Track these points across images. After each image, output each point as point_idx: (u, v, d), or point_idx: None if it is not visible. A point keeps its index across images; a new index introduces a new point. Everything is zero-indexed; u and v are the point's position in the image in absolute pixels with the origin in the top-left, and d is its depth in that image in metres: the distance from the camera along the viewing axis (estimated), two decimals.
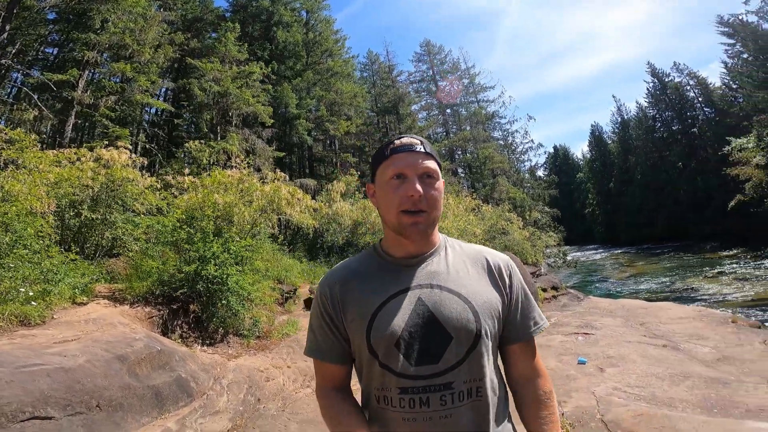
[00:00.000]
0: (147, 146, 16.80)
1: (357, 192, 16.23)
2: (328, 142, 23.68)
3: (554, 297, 11.55)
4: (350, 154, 23.53)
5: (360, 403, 1.02)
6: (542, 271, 16.49)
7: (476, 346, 0.92)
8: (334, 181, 15.41)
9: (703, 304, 12.16)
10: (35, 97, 13.71)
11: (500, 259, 1.06)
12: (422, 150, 0.97)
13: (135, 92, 14.16)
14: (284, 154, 18.29)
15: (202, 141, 12.79)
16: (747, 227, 27.72)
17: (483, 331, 0.93)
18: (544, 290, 11.61)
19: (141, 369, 3.43)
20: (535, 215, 27.85)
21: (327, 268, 11.61)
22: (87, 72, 14.73)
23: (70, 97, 14.86)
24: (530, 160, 39.67)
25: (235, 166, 9.29)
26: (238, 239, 7.11)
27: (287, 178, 9.46)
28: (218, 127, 14.93)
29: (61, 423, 2.60)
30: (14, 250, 5.39)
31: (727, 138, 27.58)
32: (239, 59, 15.63)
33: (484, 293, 0.98)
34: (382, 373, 0.92)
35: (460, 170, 31.62)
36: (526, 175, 37.23)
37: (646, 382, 4.18)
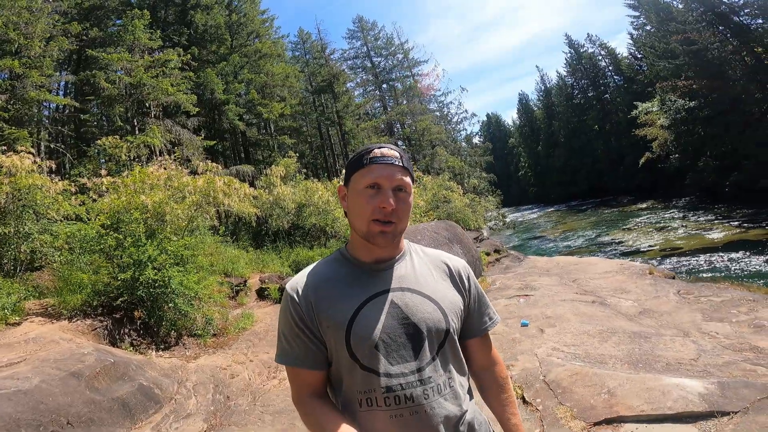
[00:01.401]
0: (52, 146, 15.15)
1: (298, 174, 15.99)
2: (263, 125, 22.83)
3: (497, 260, 12.09)
4: (287, 135, 22.90)
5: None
6: (484, 235, 17.44)
7: (446, 341, 1.02)
8: (273, 165, 15.04)
9: (626, 256, 13.59)
10: None
11: (459, 264, 1.16)
12: (400, 164, 1.01)
13: (28, 89, 12.58)
14: (215, 142, 17.41)
15: (118, 136, 11.79)
16: (655, 181, 31.27)
17: (451, 328, 1.02)
18: (488, 254, 12.12)
19: (99, 383, 3.35)
20: (473, 182, 29.21)
21: (275, 255, 11.52)
22: None
23: None
24: (465, 130, 41.30)
25: (161, 163, 8.68)
26: (174, 239, 6.84)
27: (220, 168, 9.05)
28: (135, 120, 13.78)
29: None
30: None
31: (635, 103, 30.69)
32: (152, 47, 14.39)
33: (449, 295, 1.07)
34: (365, 376, 0.96)
35: (400, 143, 32.06)
36: (463, 144, 38.73)
37: (579, 340, 4.39)
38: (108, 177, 8.42)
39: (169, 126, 13.82)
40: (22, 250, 7.68)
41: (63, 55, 14.88)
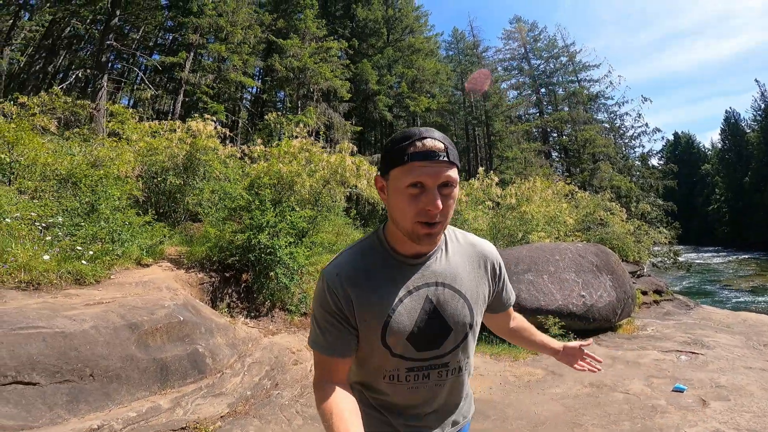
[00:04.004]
0: (241, 122, 17.84)
1: None
2: (411, 118, 23.08)
3: (656, 302, 9.77)
4: None
5: (360, 383, 1.14)
6: (644, 271, 14.18)
7: (467, 335, 1.10)
8: None
9: None
10: (143, 76, 15.11)
11: (493, 255, 1.19)
12: (446, 159, 0.91)
13: (229, 71, 14.90)
14: (361, 128, 18.21)
15: (280, 113, 13.06)
16: None
17: (474, 323, 1.11)
18: (644, 293, 9.82)
19: (153, 339, 3.17)
20: (643, 207, 24.10)
21: None
22: (192, 54, 15.84)
23: (178, 77, 16.20)
24: (642, 147, 34.40)
25: (298, 136, 9.13)
26: (297, 209, 6.83)
27: (355, 149, 9.09)
28: (299, 102, 15.16)
29: (44, 390, 2.37)
30: (95, 210, 5.67)
31: None
32: (318, 36, 15.78)
33: (478, 287, 1.13)
34: (394, 361, 1.05)
35: (554, 153, 28.72)
36: (637, 162, 32.49)
37: (763, 425, 3.19)
38: (261, 146, 9.27)
39: (324, 109, 14.79)
40: (186, 202, 8.91)
41: (257, 43, 17.35)
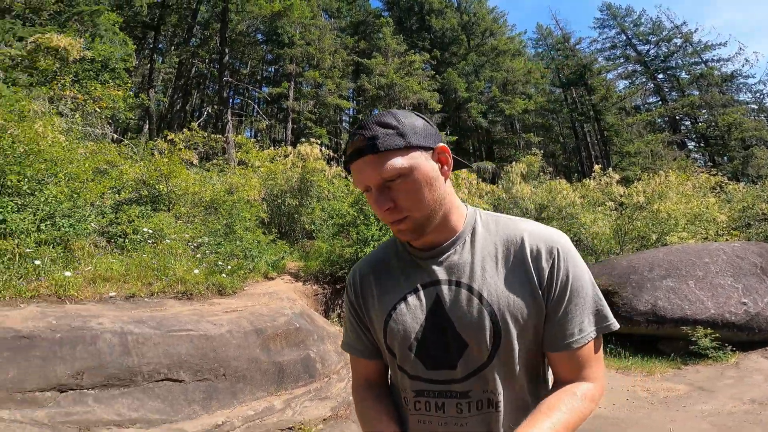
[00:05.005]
0: (343, 143, 19.14)
1: (542, 173, 14.52)
2: (509, 123, 22.10)
3: None
4: (532, 133, 21.35)
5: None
6: None
7: (495, 355, 0.79)
8: (513, 163, 14.10)
9: None
10: (258, 108, 17.18)
11: (543, 241, 0.82)
12: (372, 153, 0.76)
13: (326, 95, 16.15)
14: (456, 138, 18.06)
15: None
16: None
17: (504, 340, 0.79)
18: None
19: (274, 344, 3.41)
20: None
21: None
22: (292, 83, 17.59)
23: (285, 107, 18.09)
24: None
25: None
26: None
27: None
28: None
29: (187, 387, 2.67)
30: (232, 231, 6.56)
31: None
32: (399, 51, 16.31)
33: (511, 292, 0.80)
34: (401, 375, 0.87)
35: (690, 143, 24.72)
36: None
37: None
38: None
39: None
40: (302, 221, 9.78)
41: (345, 66, 18.61)
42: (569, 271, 0.80)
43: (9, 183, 4.32)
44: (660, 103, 27.02)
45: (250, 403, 2.90)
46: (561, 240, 0.83)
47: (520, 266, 0.81)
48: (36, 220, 4.03)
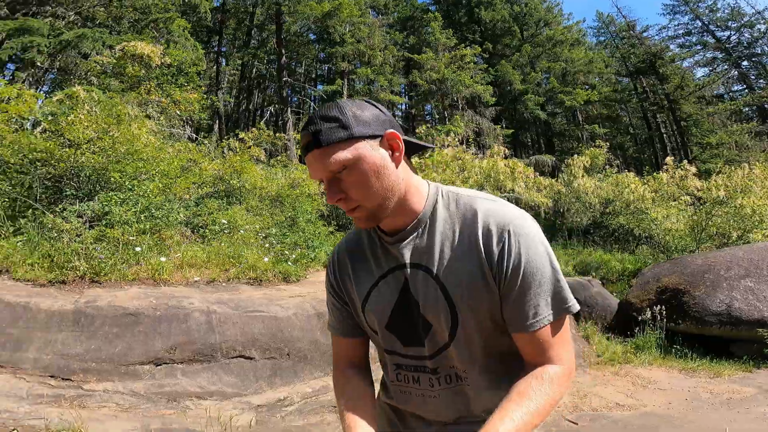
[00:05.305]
0: None
1: (608, 166, 13.80)
2: (570, 115, 21.03)
3: None
4: (597, 125, 20.17)
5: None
6: None
7: (455, 335, 0.84)
8: (575, 155, 13.50)
9: None
10: (314, 106, 17.85)
11: (495, 222, 0.80)
12: (317, 147, 0.77)
13: (378, 92, 16.42)
14: (512, 131, 17.52)
15: (429, 125, 13.65)
16: None
17: (462, 322, 0.83)
18: None
19: None
20: None
21: (561, 252, 10.46)
22: (345, 80, 18.05)
23: None
24: None
25: (449, 145, 9.47)
26: None
27: (507, 152, 8.86)
28: (444, 112, 15.60)
29: (257, 364, 2.99)
30: (295, 222, 7.05)
31: None
32: (449, 45, 16.06)
33: (464, 275, 0.81)
34: (382, 351, 0.96)
35: None
36: None
37: None
38: (415, 158, 10.04)
39: (470, 116, 14.86)
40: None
41: (395, 61, 18.71)
42: (521, 254, 0.79)
43: (112, 179, 4.96)
44: (746, 91, 24.32)
45: (309, 382, 3.17)
46: (515, 220, 0.80)
47: (474, 249, 0.81)
48: (136, 211, 4.62)
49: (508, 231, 0.79)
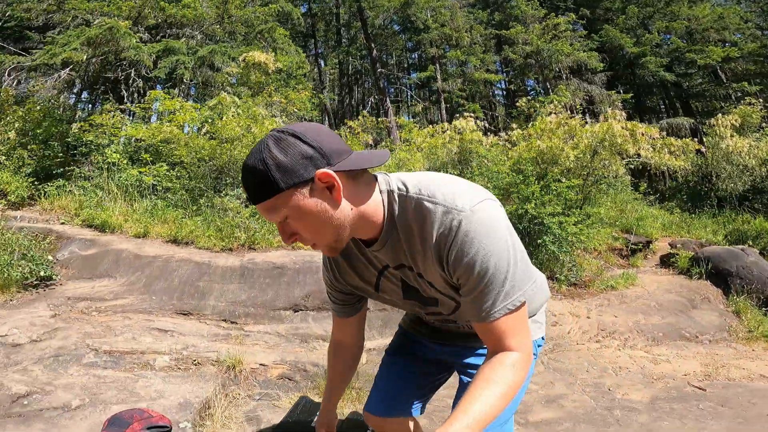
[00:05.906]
0: (499, 116, 18.88)
1: (766, 125, 11.76)
2: (706, 74, 18.00)
3: None
4: (746, 82, 16.92)
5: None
6: None
7: (458, 309, 1.00)
8: (719, 115, 11.70)
9: None
10: (411, 93, 18.15)
11: (442, 224, 0.79)
12: (253, 204, 0.79)
13: (472, 72, 16.06)
14: (632, 95, 15.67)
15: (531, 98, 13.11)
16: None
17: (459, 303, 0.96)
18: None
19: None
20: None
21: (709, 220, 9.43)
22: (437, 65, 17.99)
23: (435, 88, 18.69)
24: None
25: (553, 113, 9.02)
26: (564, 180, 6.83)
27: (624, 115, 8.03)
28: (547, 83, 14.69)
29: (371, 315, 3.43)
30: None
31: None
32: (538, 16, 14.81)
33: (436, 274, 0.88)
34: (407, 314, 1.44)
35: None
36: None
37: None
38: (518, 130, 9.89)
39: (577, 84, 13.79)
40: None
41: (484, 40, 17.93)
42: (468, 256, 0.78)
43: None
44: None
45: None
46: (462, 223, 0.77)
47: (432, 255, 0.83)
48: None
49: (454, 236, 0.77)
